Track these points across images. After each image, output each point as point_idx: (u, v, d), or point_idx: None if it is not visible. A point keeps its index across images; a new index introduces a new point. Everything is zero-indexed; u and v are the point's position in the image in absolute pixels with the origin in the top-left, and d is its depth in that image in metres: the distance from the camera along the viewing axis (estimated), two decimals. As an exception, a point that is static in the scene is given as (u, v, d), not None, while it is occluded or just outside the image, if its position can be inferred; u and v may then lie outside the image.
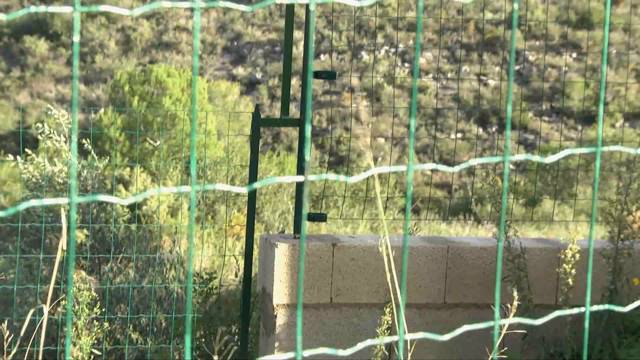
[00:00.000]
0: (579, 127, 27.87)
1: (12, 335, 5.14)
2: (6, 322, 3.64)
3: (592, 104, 19.87)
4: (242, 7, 1.02)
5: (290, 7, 4.86)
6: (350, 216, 9.74)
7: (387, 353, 4.77)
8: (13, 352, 4.41)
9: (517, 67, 31.04)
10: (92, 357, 4.47)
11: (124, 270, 5.88)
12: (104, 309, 4.99)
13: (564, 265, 4.64)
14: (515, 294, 3.52)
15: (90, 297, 4.48)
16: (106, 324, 5.02)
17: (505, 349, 4.67)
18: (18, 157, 6.16)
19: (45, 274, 5.87)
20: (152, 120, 18.68)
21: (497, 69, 32.63)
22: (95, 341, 4.54)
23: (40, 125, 5.88)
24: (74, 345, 4.41)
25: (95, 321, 4.65)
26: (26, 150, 6.38)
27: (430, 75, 32.13)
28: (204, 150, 9.38)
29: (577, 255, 4.64)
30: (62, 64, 37.68)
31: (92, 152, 5.98)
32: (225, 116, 15.82)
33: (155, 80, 21.76)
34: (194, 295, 5.43)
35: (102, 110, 18.87)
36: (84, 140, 6.04)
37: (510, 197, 6.39)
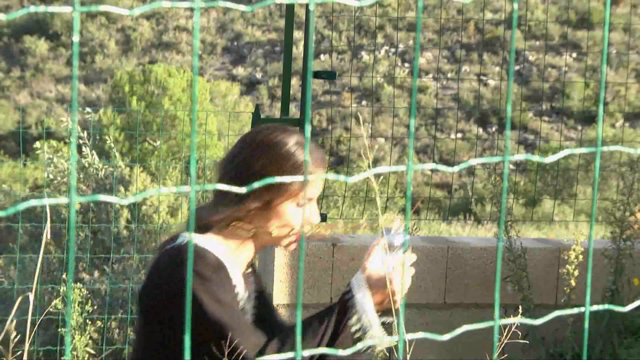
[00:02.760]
0: (579, 127, 27.87)
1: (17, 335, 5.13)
2: (14, 322, 3.64)
3: (592, 104, 19.87)
4: (242, 7, 1.01)
5: (290, 7, 4.86)
6: (350, 216, 9.75)
7: (387, 353, 4.77)
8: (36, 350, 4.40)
9: (517, 67, 31.03)
10: (88, 356, 4.47)
11: (125, 270, 5.88)
12: (96, 307, 4.98)
13: (567, 266, 4.64)
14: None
15: (82, 295, 4.47)
16: (99, 322, 5.02)
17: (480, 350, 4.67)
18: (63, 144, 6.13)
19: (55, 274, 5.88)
20: (152, 120, 18.68)
21: (497, 69, 32.62)
22: (91, 341, 4.53)
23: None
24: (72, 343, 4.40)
25: (89, 320, 4.65)
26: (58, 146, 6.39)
27: (430, 75, 32.13)
28: (204, 150, 9.38)
29: (581, 257, 4.64)
30: (62, 64, 37.68)
31: (114, 150, 6.00)
32: (225, 116, 15.82)
33: (155, 80, 21.76)
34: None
35: (101, 110, 18.88)
36: (109, 137, 6.07)
37: (510, 197, 6.40)
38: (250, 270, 2.57)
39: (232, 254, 2.41)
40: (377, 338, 2.32)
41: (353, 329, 2.32)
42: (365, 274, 2.40)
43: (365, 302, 2.34)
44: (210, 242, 2.38)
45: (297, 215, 2.41)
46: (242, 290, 2.44)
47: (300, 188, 2.38)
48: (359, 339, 2.31)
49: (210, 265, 2.31)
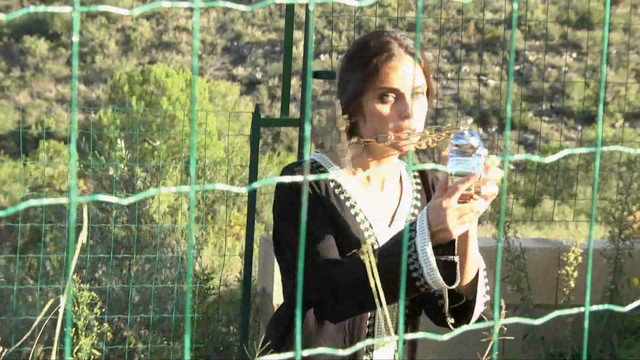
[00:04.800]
0: (579, 127, 27.87)
1: (13, 334, 5.14)
2: None
3: (592, 104, 19.86)
4: (242, 7, 1.02)
5: (290, 7, 4.86)
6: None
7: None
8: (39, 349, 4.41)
9: (517, 67, 31.03)
10: (92, 357, 4.47)
11: (124, 270, 5.88)
12: (104, 310, 4.99)
13: (566, 267, 4.64)
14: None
15: (90, 297, 4.48)
16: (106, 325, 5.02)
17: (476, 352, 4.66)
18: (90, 153, 6.13)
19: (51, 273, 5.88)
20: (151, 120, 18.69)
21: (497, 69, 32.62)
22: (96, 341, 4.54)
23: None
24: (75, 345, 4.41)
25: (95, 321, 4.65)
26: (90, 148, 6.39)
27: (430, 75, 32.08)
28: (204, 150, 9.38)
29: (580, 258, 4.64)
30: (62, 64, 37.67)
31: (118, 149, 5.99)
32: (225, 116, 15.83)
33: (154, 80, 21.77)
34: (193, 296, 5.43)
35: (102, 110, 18.88)
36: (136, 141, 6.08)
37: (510, 197, 6.41)
38: (416, 181, 2.50)
39: (350, 167, 2.36)
40: (433, 280, 2.01)
41: (411, 267, 2.03)
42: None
43: (423, 238, 2.03)
44: (321, 160, 2.39)
45: (385, 111, 2.31)
46: (363, 202, 2.35)
47: (373, 81, 2.29)
48: (418, 280, 2.01)
49: (296, 187, 2.29)
